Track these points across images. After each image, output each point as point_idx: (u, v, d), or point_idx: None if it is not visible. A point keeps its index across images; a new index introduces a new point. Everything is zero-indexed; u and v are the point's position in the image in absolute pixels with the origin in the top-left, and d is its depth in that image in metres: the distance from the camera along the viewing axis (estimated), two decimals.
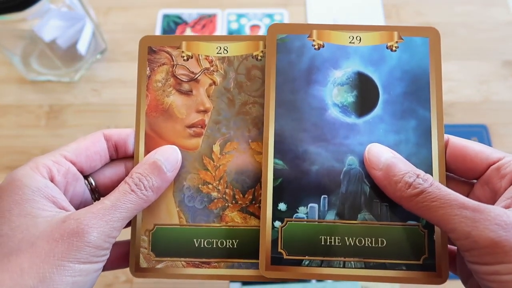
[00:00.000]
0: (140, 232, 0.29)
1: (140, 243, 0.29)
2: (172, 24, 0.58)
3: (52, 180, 0.26)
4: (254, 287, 0.44)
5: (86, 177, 0.29)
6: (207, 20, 0.58)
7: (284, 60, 0.29)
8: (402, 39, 0.29)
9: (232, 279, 0.29)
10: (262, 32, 0.58)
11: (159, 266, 0.29)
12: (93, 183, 0.29)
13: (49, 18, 0.47)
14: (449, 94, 0.53)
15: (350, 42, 0.29)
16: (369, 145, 0.28)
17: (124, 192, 0.26)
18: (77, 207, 0.28)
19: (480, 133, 0.51)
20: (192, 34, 0.57)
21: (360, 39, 0.29)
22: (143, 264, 0.29)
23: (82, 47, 0.52)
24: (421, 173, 0.26)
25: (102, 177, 0.30)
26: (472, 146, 0.28)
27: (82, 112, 0.53)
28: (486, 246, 0.22)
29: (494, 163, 0.27)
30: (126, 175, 0.28)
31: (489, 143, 0.50)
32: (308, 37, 0.29)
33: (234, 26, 0.58)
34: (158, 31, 0.58)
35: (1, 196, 0.25)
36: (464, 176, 0.29)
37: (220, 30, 0.58)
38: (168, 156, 0.28)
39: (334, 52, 0.29)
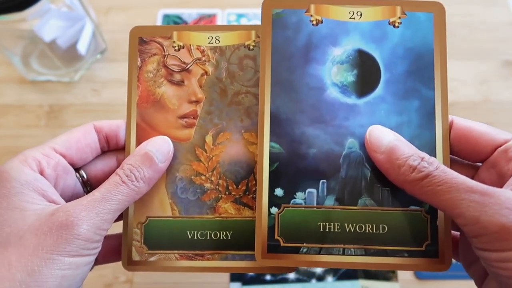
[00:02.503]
0: (132, 224, 0.29)
1: (133, 236, 0.29)
2: (172, 24, 0.58)
3: (41, 173, 0.26)
4: (254, 287, 0.44)
5: (77, 169, 0.29)
6: (207, 20, 0.58)
7: (280, 36, 0.28)
8: (405, 14, 0.28)
9: (226, 271, 0.29)
10: None
11: (152, 259, 0.29)
12: (85, 176, 0.29)
13: (49, 18, 0.47)
14: (449, 94, 0.53)
15: (350, 18, 0.28)
16: (371, 127, 0.27)
17: (115, 183, 0.26)
18: (69, 200, 0.27)
19: None
20: None
21: (360, 15, 0.28)
22: (136, 257, 0.29)
23: (82, 47, 0.52)
24: (426, 156, 0.25)
25: (94, 170, 0.29)
26: (478, 127, 0.27)
27: (82, 112, 0.53)
28: (496, 232, 0.21)
29: (500, 145, 0.26)
30: (118, 167, 0.27)
31: None
32: (305, 12, 0.28)
33: None
34: None
35: None
36: (469, 158, 0.28)
37: None
38: (160, 147, 0.28)
39: (333, 28, 0.28)
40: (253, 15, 0.59)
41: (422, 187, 0.24)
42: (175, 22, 0.59)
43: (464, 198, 0.22)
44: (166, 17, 0.59)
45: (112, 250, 0.30)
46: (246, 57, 0.30)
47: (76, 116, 0.53)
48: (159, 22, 0.59)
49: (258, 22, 0.59)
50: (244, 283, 0.44)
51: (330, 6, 0.28)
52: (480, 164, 0.27)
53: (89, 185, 0.29)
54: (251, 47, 0.30)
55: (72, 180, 0.28)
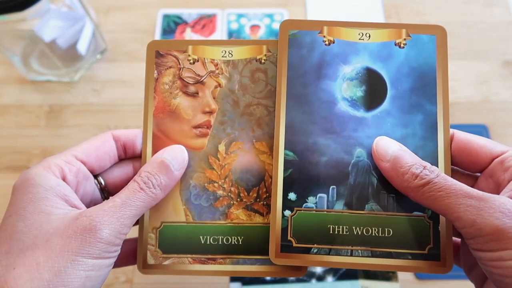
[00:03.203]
0: (147, 229, 0.30)
1: (148, 240, 0.30)
2: (172, 24, 0.58)
3: (64, 179, 0.27)
4: (254, 287, 0.44)
5: (95, 176, 0.30)
6: (207, 20, 0.58)
7: (296, 55, 0.30)
8: (410, 36, 0.30)
9: (237, 274, 0.30)
10: (262, 32, 0.58)
11: (166, 262, 0.30)
12: (103, 182, 0.30)
13: (49, 18, 0.47)
14: (449, 94, 0.53)
15: (359, 39, 0.30)
16: (377, 138, 0.29)
17: (133, 190, 0.27)
18: (88, 205, 0.28)
19: (480, 133, 0.51)
20: (192, 34, 0.57)
21: (369, 36, 0.30)
22: (151, 260, 0.30)
23: (82, 47, 0.52)
24: (428, 164, 0.26)
25: (111, 177, 0.31)
26: (477, 140, 0.28)
27: (82, 112, 0.53)
28: (491, 233, 0.23)
29: (497, 157, 0.28)
30: (134, 174, 0.29)
31: None
32: (319, 33, 0.30)
33: (234, 26, 0.58)
34: (158, 31, 0.58)
35: (15, 195, 0.26)
36: (469, 169, 0.29)
37: (220, 30, 0.58)
38: (176, 155, 0.29)
39: (344, 48, 0.30)
40: (253, 15, 0.59)
41: (424, 193, 0.26)
42: (175, 22, 0.59)
43: (461, 203, 0.24)
44: (166, 17, 0.59)
45: (128, 253, 0.31)
46: (257, 71, 0.31)
47: (76, 116, 0.53)
48: (159, 22, 0.59)
49: (258, 22, 0.59)
50: (244, 283, 0.44)
51: (341, 28, 0.30)
52: (479, 174, 0.29)
53: (106, 191, 0.30)
54: (263, 61, 0.31)
55: (91, 186, 0.29)
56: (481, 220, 0.23)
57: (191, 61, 0.31)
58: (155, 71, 0.31)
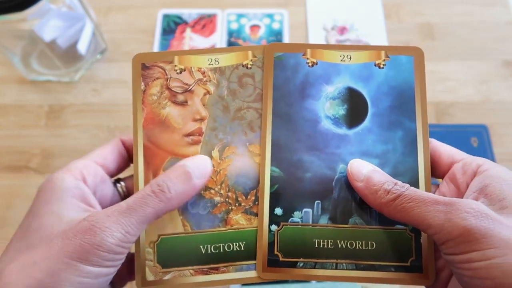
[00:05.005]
0: (144, 244, 0.29)
1: (145, 256, 0.29)
2: (172, 24, 0.58)
3: (83, 181, 0.28)
4: (254, 287, 0.44)
5: (118, 181, 0.31)
6: (207, 20, 0.59)
7: (281, 76, 0.31)
8: (389, 57, 0.31)
9: (242, 282, 0.29)
10: (262, 32, 0.58)
11: (166, 277, 0.29)
12: (124, 188, 0.31)
13: (49, 18, 0.47)
14: (449, 94, 0.53)
15: (341, 60, 0.31)
16: (351, 161, 0.29)
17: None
18: None
19: (480, 133, 0.51)
20: (192, 34, 0.57)
21: (350, 58, 0.31)
22: (150, 277, 0.29)
23: (82, 47, 0.52)
24: (399, 182, 0.27)
25: (132, 182, 0.31)
26: (441, 148, 0.30)
27: (82, 112, 0.53)
28: (459, 235, 0.24)
29: (458, 162, 0.29)
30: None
31: (489, 143, 0.50)
32: (302, 55, 0.31)
33: (234, 26, 0.58)
34: (158, 31, 0.58)
35: (37, 195, 0.27)
36: (433, 174, 0.30)
37: (220, 30, 0.58)
38: (198, 165, 0.28)
39: (326, 69, 0.31)
40: (253, 15, 0.59)
41: (396, 207, 0.26)
42: (175, 22, 0.59)
43: (430, 210, 0.25)
44: (166, 17, 0.59)
45: (124, 270, 0.29)
46: (245, 75, 0.31)
47: (76, 116, 0.53)
48: (159, 22, 0.59)
49: (258, 22, 0.59)
50: (244, 283, 0.44)
51: (323, 50, 0.31)
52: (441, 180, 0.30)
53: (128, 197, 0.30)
54: (249, 66, 0.31)
55: (109, 189, 0.30)
56: (449, 223, 0.24)
57: (178, 71, 0.31)
58: (142, 83, 0.31)
